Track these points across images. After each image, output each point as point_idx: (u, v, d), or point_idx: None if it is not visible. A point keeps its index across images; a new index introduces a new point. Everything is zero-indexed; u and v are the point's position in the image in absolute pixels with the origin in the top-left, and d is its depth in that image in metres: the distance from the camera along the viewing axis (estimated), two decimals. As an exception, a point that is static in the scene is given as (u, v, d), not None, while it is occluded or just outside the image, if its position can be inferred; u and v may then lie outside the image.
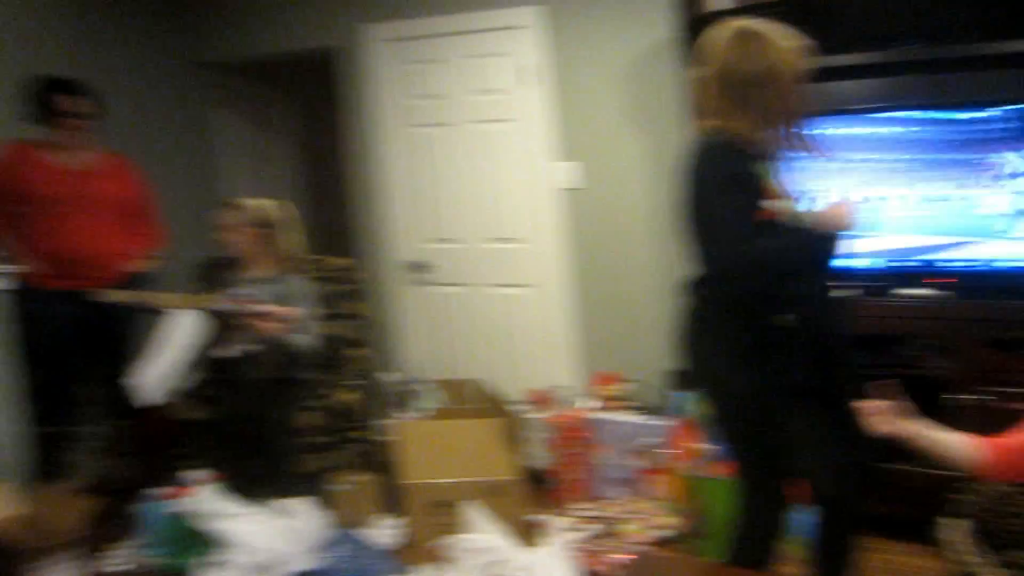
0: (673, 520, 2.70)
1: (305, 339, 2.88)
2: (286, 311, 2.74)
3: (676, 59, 3.19)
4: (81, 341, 3.11)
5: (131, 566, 2.38)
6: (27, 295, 3.01)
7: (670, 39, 3.23)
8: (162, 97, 4.16)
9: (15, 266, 2.95)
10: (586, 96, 3.57)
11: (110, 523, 2.75)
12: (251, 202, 3.01)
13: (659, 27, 3.32)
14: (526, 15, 3.61)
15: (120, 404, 3.04)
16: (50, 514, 2.02)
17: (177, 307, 2.74)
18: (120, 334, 3.15)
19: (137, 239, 3.22)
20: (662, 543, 2.62)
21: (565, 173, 3.64)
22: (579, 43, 3.56)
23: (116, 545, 2.47)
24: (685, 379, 3.25)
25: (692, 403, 2.81)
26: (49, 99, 2.96)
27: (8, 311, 2.86)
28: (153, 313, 2.86)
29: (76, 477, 3.13)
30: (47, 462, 3.04)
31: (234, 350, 2.86)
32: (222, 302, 2.65)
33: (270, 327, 2.71)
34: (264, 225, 2.96)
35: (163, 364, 2.70)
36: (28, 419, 3.06)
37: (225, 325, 2.74)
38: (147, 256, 3.24)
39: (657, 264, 3.52)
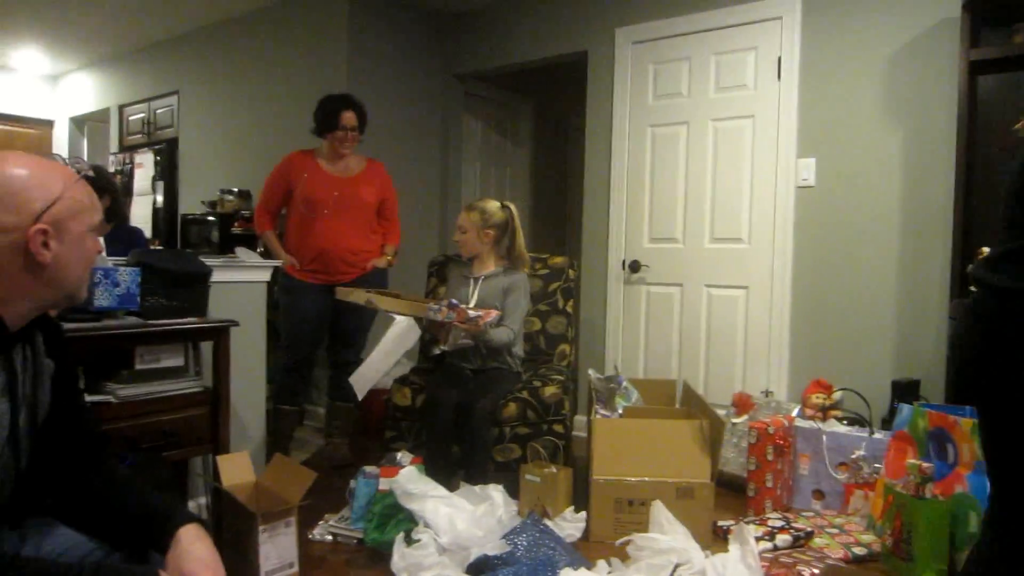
0: (872, 538, 2.51)
1: (508, 333, 3.03)
2: (493, 314, 2.90)
3: (951, 44, 2.97)
4: (324, 329, 3.52)
5: (341, 535, 2.66)
6: (287, 285, 3.45)
7: (940, 24, 3.07)
8: (419, 107, 4.73)
9: (279, 259, 3.37)
10: (835, 89, 3.45)
11: (327, 495, 3.10)
12: (482, 204, 3.22)
13: (928, 12, 3.17)
14: (780, 6, 3.55)
15: (346, 389, 3.38)
16: (278, 482, 2.31)
17: (398, 312, 2.98)
18: (354, 327, 3.52)
19: (382, 238, 3.59)
20: (857, 561, 2.45)
21: (797, 171, 3.50)
22: (836, 32, 3.44)
23: (330, 516, 2.78)
24: (904, 392, 3.03)
25: (910, 417, 2.60)
26: (336, 114, 3.37)
27: (271, 298, 3.27)
28: (378, 313, 3.18)
29: (304, 450, 3.56)
30: (281, 434, 3.48)
31: (441, 348, 3.08)
32: (437, 312, 2.86)
33: (477, 329, 2.89)
34: (492, 226, 3.17)
35: (376, 364, 2.96)
36: (273, 396, 3.50)
37: (439, 327, 2.96)
38: (388, 253, 3.60)
39: (885, 269, 3.30)
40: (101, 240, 2.52)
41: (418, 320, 3.03)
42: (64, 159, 3.60)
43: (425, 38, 4.79)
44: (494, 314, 2.95)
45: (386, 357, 2.98)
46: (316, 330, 3.49)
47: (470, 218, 3.18)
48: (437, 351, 3.18)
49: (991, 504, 1.29)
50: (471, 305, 3.08)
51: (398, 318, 2.97)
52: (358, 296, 3.03)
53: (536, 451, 2.93)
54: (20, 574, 1.12)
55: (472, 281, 3.20)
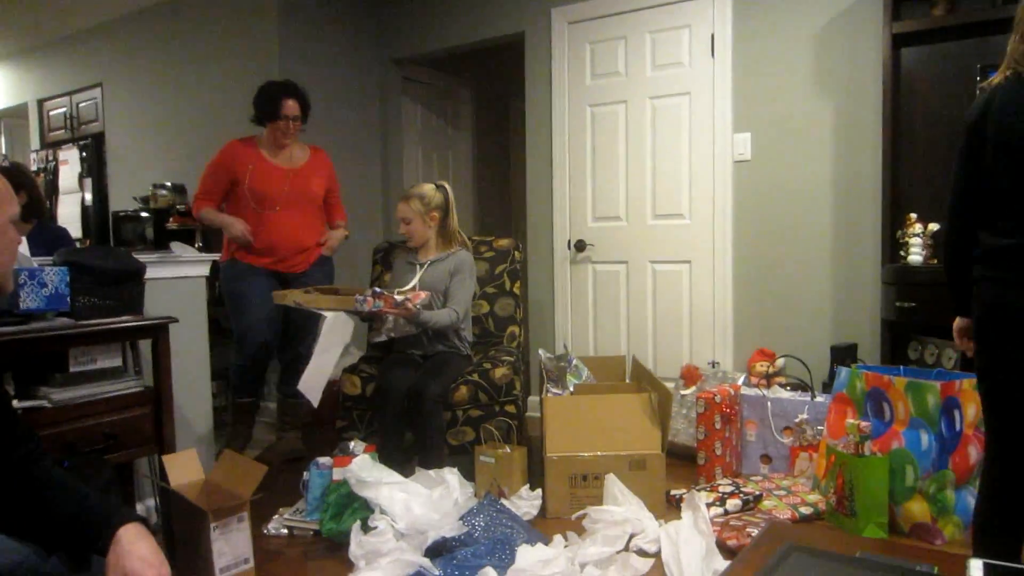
0: (818, 498, 2.60)
1: (450, 315, 3.02)
2: (421, 295, 2.89)
3: (875, 18, 3.06)
4: (279, 314, 3.37)
5: (297, 528, 2.64)
6: (234, 272, 3.33)
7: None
8: (356, 93, 4.64)
9: (229, 229, 3.27)
10: (767, 64, 3.51)
11: (280, 488, 3.07)
12: (418, 190, 3.18)
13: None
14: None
15: (295, 382, 3.33)
16: (228, 479, 2.27)
17: (326, 308, 2.94)
18: (304, 320, 3.35)
19: (325, 228, 3.51)
20: (804, 520, 2.54)
21: (734, 146, 3.56)
22: (766, 8, 3.50)
23: (285, 509, 2.75)
24: (843, 355, 3.13)
25: (847, 380, 2.69)
26: (277, 103, 3.25)
27: (212, 294, 3.20)
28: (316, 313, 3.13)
29: (254, 446, 3.49)
30: (234, 431, 3.41)
31: (383, 335, 3.06)
32: (363, 302, 2.80)
33: (408, 314, 2.87)
34: (435, 208, 3.15)
35: (319, 365, 2.92)
36: (232, 391, 3.44)
37: (376, 315, 2.93)
38: (341, 226, 3.57)
39: (820, 238, 3.41)
40: (24, 241, 2.43)
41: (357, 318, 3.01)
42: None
43: (360, 21, 4.70)
44: (422, 295, 2.90)
45: (326, 355, 2.93)
46: (271, 314, 3.32)
47: (411, 206, 3.14)
48: (382, 338, 3.14)
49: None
50: (415, 290, 3.06)
51: (325, 314, 2.92)
52: (288, 299, 2.98)
53: (490, 432, 2.94)
54: None
55: (418, 267, 3.17)
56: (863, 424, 2.45)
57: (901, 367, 2.75)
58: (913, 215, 2.98)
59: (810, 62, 3.39)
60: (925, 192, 3.07)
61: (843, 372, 2.76)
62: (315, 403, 2.93)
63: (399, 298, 2.84)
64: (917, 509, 2.39)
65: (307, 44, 4.39)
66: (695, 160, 3.71)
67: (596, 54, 3.99)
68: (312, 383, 2.90)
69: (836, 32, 3.32)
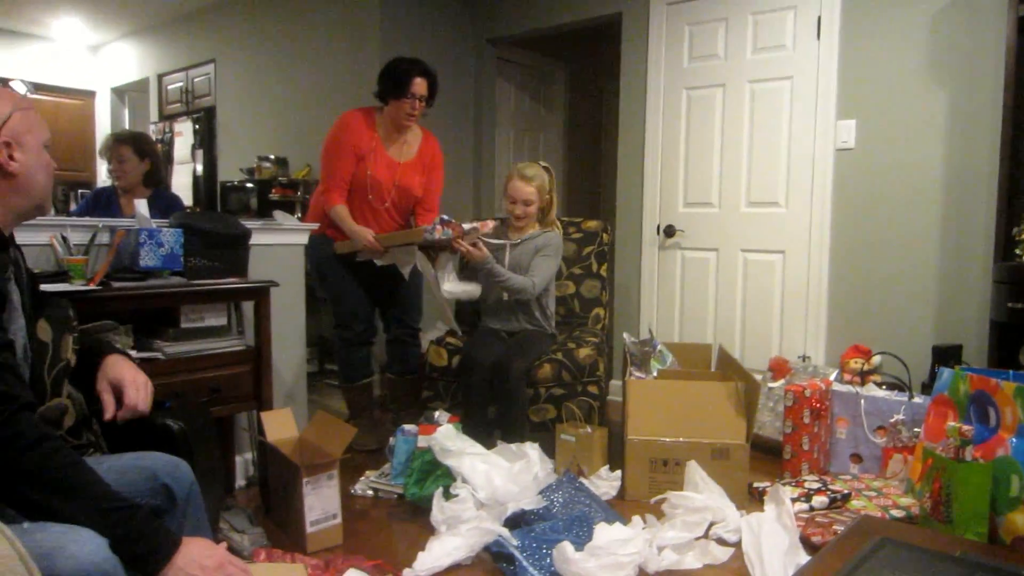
0: (911, 501, 2.50)
1: (526, 281, 3.06)
2: (489, 224, 3.01)
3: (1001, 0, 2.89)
4: (375, 295, 3.32)
5: (382, 490, 2.73)
6: (326, 248, 3.21)
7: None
8: (452, 73, 4.67)
9: (357, 237, 3.07)
10: (876, 48, 3.37)
11: (368, 451, 3.18)
12: (534, 171, 3.15)
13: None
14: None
15: (405, 362, 3.42)
16: (320, 437, 2.37)
17: (400, 243, 3.03)
18: (410, 296, 3.34)
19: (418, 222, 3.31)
20: (894, 521, 2.45)
21: (837, 133, 3.45)
22: None
23: (371, 472, 2.85)
24: (945, 356, 2.99)
25: (950, 381, 2.57)
26: (406, 80, 3.03)
27: (312, 258, 3.20)
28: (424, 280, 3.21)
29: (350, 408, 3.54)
30: (358, 423, 3.30)
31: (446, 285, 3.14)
32: (432, 231, 2.85)
33: (478, 252, 2.95)
34: (549, 192, 3.18)
35: (451, 290, 3.12)
36: (339, 377, 3.42)
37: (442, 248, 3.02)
38: None
39: (926, 233, 3.26)
40: (144, 203, 2.58)
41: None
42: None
43: (458, 3, 4.76)
44: (490, 223, 2.99)
45: (447, 285, 3.14)
46: (369, 294, 3.27)
47: (534, 187, 3.11)
48: (454, 290, 3.17)
49: None
50: (505, 267, 3.10)
51: (419, 265, 3.09)
52: (349, 248, 3.09)
53: (571, 411, 2.96)
54: (88, 486, 1.21)
55: (508, 247, 3.20)
56: (965, 428, 2.34)
57: (1010, 371, 2.61)
58: (1032, 211, 2.81)
59: (924, 46, 3.23)
60: None
61: (945, 373, 2.64)
62: (476, 295, 3.16)
63: (468, 226, 2.90)
64: (1021, 521, 2.27)
65: (407, 22, 4.47)
66: (794, 147, 3.60)
67: (695, 36, 3.90)
68: (444, 310, 3.13)
69: (954, 14, 3.14)
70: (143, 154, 3.32)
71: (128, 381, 1.53)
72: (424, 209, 3.28)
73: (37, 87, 6.66)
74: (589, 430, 2.84)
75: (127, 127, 7.13)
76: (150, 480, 1.43)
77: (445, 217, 2.89)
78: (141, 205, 2.49)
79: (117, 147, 3.28)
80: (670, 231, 4.01)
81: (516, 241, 3.20)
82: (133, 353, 2.21)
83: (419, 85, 3.05)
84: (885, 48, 3.33)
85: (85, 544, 1.11)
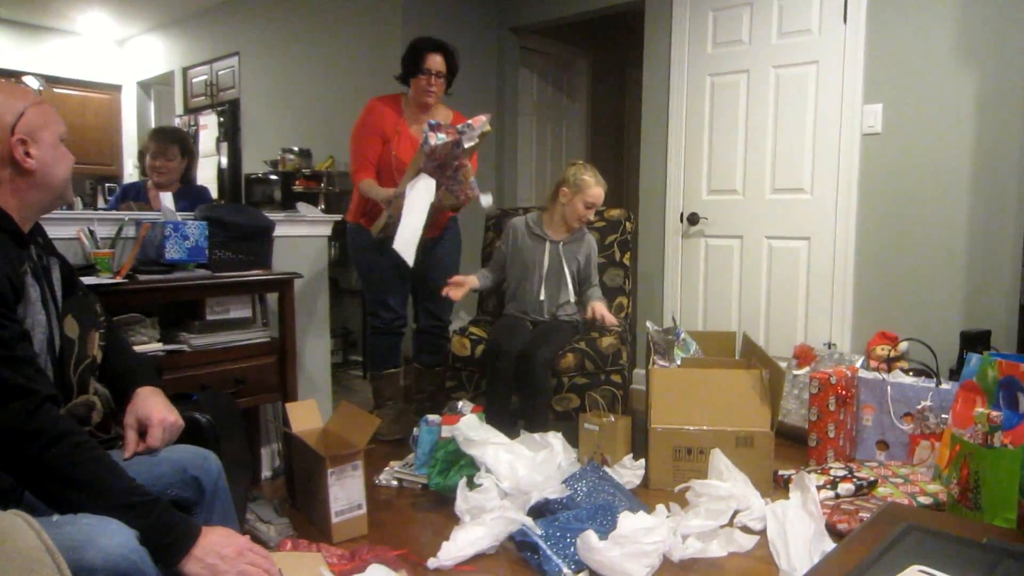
0: (939, 488, 2.47)
1: (600, 296, 3.14)
2: (480, 119, 2.90)
3: None
4: (408, 280, 3.31)
5: (406, 480, 2.75)
6: (361, 236, 3.21)
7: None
8: (474, 61, 4.62)
9: (384, 197, 3.00)
10: (904, 30, 3.30)
11: (392, 442, 3.20)
12: (597, 174, 3.13)
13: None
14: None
15: (434, 353, 3.40)
16: (344, 428, 2.40)
17: (408, 177, 2.92)
18: (439, 285, 3.21)
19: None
20: (922, 510, 2.42)
21: (863, 117, 3.40)
22: None
23: (395, 462, 2.87)
24: (974, 342, 2.95)
25: (978, 367, 2.53)
26: (421, 56, 3.06)
27: (331, 255, 3.20)
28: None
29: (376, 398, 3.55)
30: (383, 413, 3.34)
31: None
32: (429, 137, 2.77)
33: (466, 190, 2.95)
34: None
35: (411, 225, 2.85)
36: (367, 364, 3.42)
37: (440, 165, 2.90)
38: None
39: (954, 218, 3.21)
40: (170, 196, 2.61)
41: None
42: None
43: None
44: (482, 118, 2.88)
45: (413, 215, 2.87)
46: (402, 284, 3.29)
47: (603, 190, 3.14)
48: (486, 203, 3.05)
49: None
50: (552, 270, 3.14)
51: (410, 183, 2.89)
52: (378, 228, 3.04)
53: (595, 400, 2.95)
54: (110, 481, 1.24)
55: (548, 244, 3.17)
56: (993, 414, 2.30)
57: (1041, 357, 2.56)
58: (1064, 194, 2.75)
59: (953, 26, 3.16)
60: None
61: (974, 359, 2.60)
62: (410, 261, 2.83)
63: (461, 126, 2.83)
64: (1050, 507, 2.24)
65: (429, 12, 4.47)
66: (820, 132, 3.55)
67: (719, 22, 3.86)
68: (405, 240, 2.83)
69: (985, -7, 3.08)
70: (185, 152, 3.37)
71: (156, 421, 1.48)
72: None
73: (63, 82, 6.77)
74: (612, 419, 2.83)
75: (153, 121, 7.22)
76: (179, 473, 1.46)
77: (433, 122, 2.81)
78: (166, 198, 2.53)
79: (167, 146, 3.29)
80: (694, 219, 3.98)
81: (558, 240, 3.16)
82: (159, 346, 2.26)
83: (433, 60, 3.06)
84: (913, 30, 3.26)
85: (114, 536, 1.13)
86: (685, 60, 3.97)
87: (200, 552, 1.25)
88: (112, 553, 1.10)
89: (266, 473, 2.86)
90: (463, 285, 3.07)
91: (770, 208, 3.74)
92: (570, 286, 3.18)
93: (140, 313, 2.26)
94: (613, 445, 2.80)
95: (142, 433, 1.47)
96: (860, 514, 2.27)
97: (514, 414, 2.95)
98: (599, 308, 3.09)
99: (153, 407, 1.49)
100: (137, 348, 2.16)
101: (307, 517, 2.39)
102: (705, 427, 2.70)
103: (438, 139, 2.76)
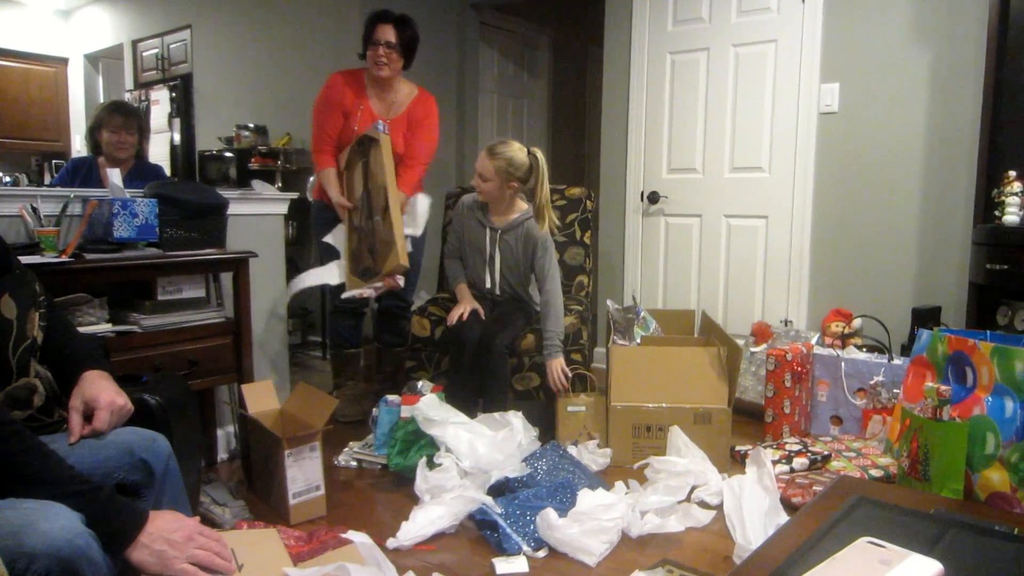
0: (889, 461, 2.54)
1: (560, 309, 2.98)
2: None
3: None
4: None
5: (366, 461, 2.73)
6: (324, 215, 3.20)
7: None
8: (434, 37, 4.54)
9: (337, 202, 3.06)
10: (861, 10, 3.34)
11: (351, 423, 3.17)
12: (507, 151, 2.90)
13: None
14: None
15: (395, 334, 3.38)
16: (302, 409, 2.37)
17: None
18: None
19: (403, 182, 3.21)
20: (871, 481, 2.48)
21: (820, 97, 3.42)
22: None
23: (354, 443, 2.85)
24: (925, 318, 3.01)
25: (929, 342, 2.59)
26: (371, 28, 3.04)
27: (288, 233, 3.15)
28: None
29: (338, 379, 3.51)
30: (341, 394, 3.31)
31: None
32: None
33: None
34: (517, 179, 2.92)
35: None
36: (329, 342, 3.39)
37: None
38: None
39: (908, 196, 3.27)
40: (118, 172, 2.53)
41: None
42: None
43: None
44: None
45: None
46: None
47: (494, 166, 2.87)
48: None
49: None
50: (496, 259, 3.06)
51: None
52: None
53: (585, 378, 2.93)
54: (48, 471, 1.19)
55: (489, 231, 3.04)
56: (943, 388, 2.36)
57: (988, 332, 2.63)
58: (1012, 172, 2.80)
59: (908, 9, 3.20)
60: (1027, 148, 2.88)
61: (924, 334, 2.65)
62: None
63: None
64: (996, 478, 2.30)
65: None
66: (778, 111, 3.58)
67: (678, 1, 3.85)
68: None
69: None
70: (141, 129, 3.31)
71: (103, 404, 1.41)
72: (405, 167, 3.19)
73: (5, 53, 6.50)
74: (571, 398, 2.85)
75: (101, 96, 6.99)
76: (127, 455, 1.41)
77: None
78: (114, 175, 2.44)
79: (127, 119, 3.20)
80: (654, 197, 3.99)
81: (500, 227, 3.03)
82: (108, 327, 2.19)
83: (383, 31, 3.02)
84: (869, 11, 3.29)
85: (56, 520, 1.08)
86: (646, 37, 3.96)
87: (147, 539, 1.22)
88: (55, 538, 1.06)
89: (222, 455, 2.82)
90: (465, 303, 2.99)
91: (729, 187, 3.77)
92: (508, 276, 3.06)
93: (88, 293, 2.19)
94: (601, 423, 2.81)
95: (88, 416, 1.42)
96: (814, 488, 2.31)
97: (474, 394, 2.94)
98: (554, 370, 2.85)
99: (101, 390, 1.43)
100: (85, 329, 2.11)
101: (264, 499, 2.36)
102: (664, 404, 2.72)
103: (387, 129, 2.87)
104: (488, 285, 3.09)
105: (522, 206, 3.04)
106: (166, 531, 1.24)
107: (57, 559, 1.05)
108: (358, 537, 1.84)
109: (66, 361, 1.51)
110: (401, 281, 3.03)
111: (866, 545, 0.98)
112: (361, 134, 3.04)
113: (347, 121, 3.12)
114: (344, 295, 3.06)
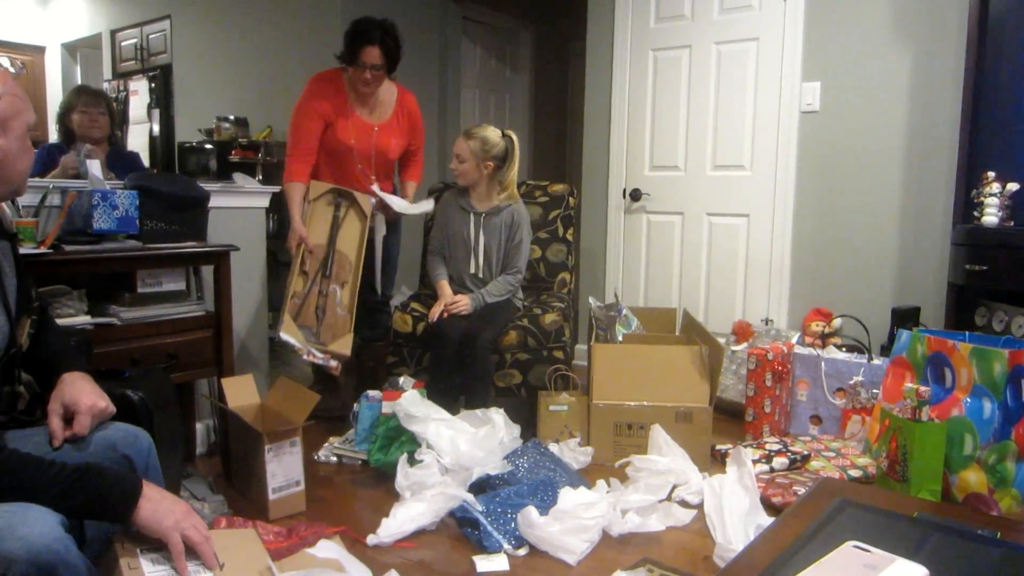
0: (868, 461, 2.56)
1: (505, 286, 3.06)
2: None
3: None
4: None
5: (346, 457, 2.71)
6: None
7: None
8: (416, 31, 4.52)
9: (295, 225, 2.92)
10: (843, 9, 3.35)
11: (332, 418, 3.14)
12: (482, 132, 3.05)
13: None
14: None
15: (376, 328, 3.34)
16: (282, 404, 2.34)
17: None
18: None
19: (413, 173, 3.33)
20: (853, 482, 2.51)
21: (802, 95, 3.44)
22: None
23: (335, 438, 2.83)
24: (904, 319, 3.04)
25: (908, 343, 2.61)
26: (357, 49, 2.90)
27: (269, 226, 3.14)
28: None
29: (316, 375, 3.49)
30: (322, 388, 3.24)
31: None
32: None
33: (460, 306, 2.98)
34: (493, 157, 3.03)
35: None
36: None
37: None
38: (409, 192, 3.30)
39: (888, 195, 3.30)
40: (98, 163, 2.49)
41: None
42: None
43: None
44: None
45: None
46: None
47: (470, 146, 3.03)
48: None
49: None
50: (479, 243, 3.09)
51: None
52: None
53: (567, 377, 2.92)
54: (34, 479, 1.17)
55: (472, 216, 3.11)
56: (922, 389, 2.38)
57: (966, 333, 2.66)
58: (991, 173, 2.84)
59: (890, 8, 3.22)
60: (1006, 150, 2.91)
61: (904, 335, 2.68)
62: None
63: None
64: (974, 479, 2.33)
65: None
66: (760, 110, 3.60)
67: (661, -2, 3.86)
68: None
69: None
70: (111, 111, 3.33)
71: (84, 408, 1.38)
72: (414, 159, 3.32)
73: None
74: (553, 396, 2.84)
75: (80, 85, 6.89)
76: (109, 451, 1.40)
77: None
78: (94, 166, 2.41)
79: (96, 99, 3.25)
80: (636, 195, 4.00)
81: (480, 211, 3.10)
82: (87, 319, 2.16)
83: (369, 54, 2.90)
84: (851, 9, 3.32)
85: (36, 525, 1.07)
86: (628, 34, 3.96)
87: (144, 500, 1.24)
88: (33, 543, 1.05)
89: (200, 450, 2.78)
90: (457, 303, 2.98)
91: (711, 185, 3.79)
92: (492, 259, 3.11)
93: (67, 285, 2.16)
94: (583, 422, 2.80)
95: (68, 419, 1.39)
96: (794, 487, 2.33)
97: (456, 390, 2.93)
98: (453, 299, 2.97)
99: (81, 392, 1.41)
100: (64, 322, 2.07)
101: (243, 494, 2.34)
102: (645, 403, 2.73)
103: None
104: (472, 270, 3.11)
105: (503, 194, 3.12)
106: (168, 497, 1.27)
107: (36, 564, 1.05)
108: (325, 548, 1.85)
109: (46, 363, 1.49)
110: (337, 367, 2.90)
111: (852, 550, 0.99)
112: (350, 191, 2.98)
113: (329, 129, 3.02)
114: (280, 336, 2.75)
